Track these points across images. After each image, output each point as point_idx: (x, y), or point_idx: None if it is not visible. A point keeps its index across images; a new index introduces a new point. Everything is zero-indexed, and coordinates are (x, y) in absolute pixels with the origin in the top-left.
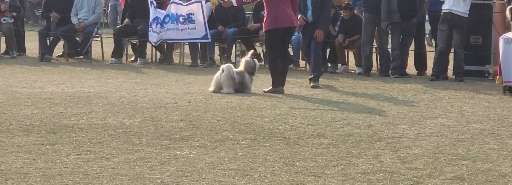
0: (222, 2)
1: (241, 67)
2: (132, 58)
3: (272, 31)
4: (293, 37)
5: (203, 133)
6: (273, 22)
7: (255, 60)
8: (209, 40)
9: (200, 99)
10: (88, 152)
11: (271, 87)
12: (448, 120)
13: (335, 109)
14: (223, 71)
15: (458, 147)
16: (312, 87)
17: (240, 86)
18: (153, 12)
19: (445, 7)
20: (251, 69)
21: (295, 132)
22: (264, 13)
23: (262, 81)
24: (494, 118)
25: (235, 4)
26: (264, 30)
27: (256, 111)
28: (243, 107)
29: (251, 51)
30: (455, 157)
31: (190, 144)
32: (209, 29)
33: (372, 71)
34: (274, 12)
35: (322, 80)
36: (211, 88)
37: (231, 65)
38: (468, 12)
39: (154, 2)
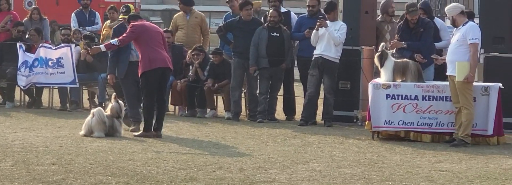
0: (89, 49)
1: (108, 111)
2: (0, 102)
3: (147, 74)
4: None
5: (76, 177)
6: (147, 64)
7: (121, 103)
8: (77, 85)
9: (71, 142)
10: None
11: (142, 131)
12: (319, 164)
13: (206, 153)
14: (93, 115)
15: None
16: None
17: (110, 130)
18: (22, 56)
19: (317, 52)
20: (116, 114)
21: (167, 175)
22: None
23: None
24: (364, 163)
25: (103, 49)
26: (140, 75)
27: (128, 154)
28: (114, 151)
29: (113, 94)
30: None
31: None
32: (77, 73)
33: (241, 116)
34: (148, 54)
35: (191, 125)
36: (82, 132)
37: (102, 109)
38: (339, 57)
39: (23, 46)
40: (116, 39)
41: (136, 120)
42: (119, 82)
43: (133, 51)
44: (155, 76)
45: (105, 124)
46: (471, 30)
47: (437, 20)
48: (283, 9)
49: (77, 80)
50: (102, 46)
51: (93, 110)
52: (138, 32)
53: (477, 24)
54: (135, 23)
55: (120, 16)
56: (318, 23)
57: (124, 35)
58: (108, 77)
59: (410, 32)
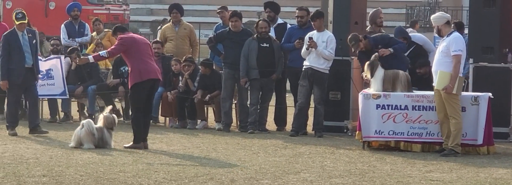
0: (77, 60)
1: (100, 123)
2: None
3: (138, 85)
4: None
5: None
6: (137, 76)
7: (114, 115)
8: (67, 96)
9: (61, 154)
10: None
11: (132, 143)
12: (310, 175)
13: (197, 164)
14: (82, 126)
15: None
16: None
17: (100, 142)
18: None
19: (306, 63)
20: (110, 125)
21: None
22: (123, 69)
23: (122, 137)
24: (355, 173)
25: (91, 60)
26: (130, 87)
27: (118, 166)
28: (105, 162)
29: (110, 107)
30: None
31: None
32: (67, 85)
33: (231, 127)
34: (138, 66)
35: (181, 136)
36: (72, 144)
37: (91, 120)
38: (328, 68)
39: None
40: (105, 51)
41: (13, 125)
42: (107, 94)
43: (27, 58)
44: (145, 88)
45: (94, 135)
46: (454, 42)
47: (415, 36)
48: (279, 21)
49: (67, 92)
50: (90, 57)
51: (82, 122)
52: (127, 44)
53: (465, 34)
54: (124, 35)
55: (17, 22)
56: (308, 44)
57: (113, 47)
58: (0, 83)
59: (370, 54)
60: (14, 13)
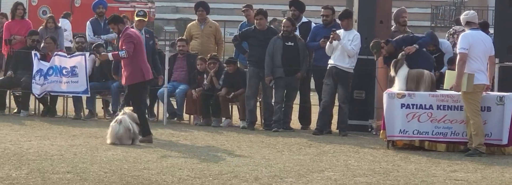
0: (98, 55)
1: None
2: (15, 110)
3: (140, 84)
4: (178, 90)
5: None
6: (140, 75)
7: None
8: (89, 94)
9: (85, 151)
10: None
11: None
12: (335, 173)
13: (221, 162)
14: (119, 122)
15: None
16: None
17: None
18: (37, 64)
19: (331, 62)
20: (135, 120)
21: (182, 184)
22: None
23: None
24: (379, 172)
25: (111, 58)
26: (131, 83)
27: (143, 163)
28: (129, 159)
29: (130, 108)
30: None
31: None
32: (90, 82)
33: (256, 125)
34: (140, 65)
35: (206, 134)
36: (109, 140)
37: (126, 116)
38: (353, 67)
39: (38, 54)
40: (123, 51)
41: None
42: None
43: None
44: (145, 87)
45: (131, 131)
46: (459, 41)
47: (444, 43)
48: (304, 19)
49: (89, 90)
50: (110, 55)
51: (118, 117)
52: (136, 42)
53: (491, 34)
54: (129, 32)
55: (136, 18)
56: (331, 36)
57: (126, 46)
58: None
59: (395, 57)
60: (136, 10)
